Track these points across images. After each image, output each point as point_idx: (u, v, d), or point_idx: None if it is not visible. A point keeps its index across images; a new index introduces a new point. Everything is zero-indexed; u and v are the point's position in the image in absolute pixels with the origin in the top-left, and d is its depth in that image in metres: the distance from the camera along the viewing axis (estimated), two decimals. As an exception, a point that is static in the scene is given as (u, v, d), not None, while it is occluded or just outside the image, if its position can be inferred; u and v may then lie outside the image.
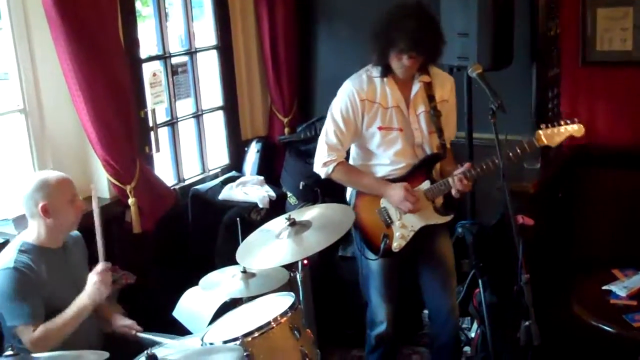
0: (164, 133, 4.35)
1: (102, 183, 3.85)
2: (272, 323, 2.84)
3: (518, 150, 3.13)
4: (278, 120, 4.96)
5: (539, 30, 4.27)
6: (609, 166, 4.44)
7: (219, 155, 4.86)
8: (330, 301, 4.28)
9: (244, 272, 3.25)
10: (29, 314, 2.86)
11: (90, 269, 3.56)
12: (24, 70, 3.53)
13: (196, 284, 3.39)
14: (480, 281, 3.22)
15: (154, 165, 4.18)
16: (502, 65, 3.78)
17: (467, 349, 3.81)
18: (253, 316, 2.97)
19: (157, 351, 2.59)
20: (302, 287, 3.30)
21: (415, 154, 3.37)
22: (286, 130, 4.96)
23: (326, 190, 4.39)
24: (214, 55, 4.75)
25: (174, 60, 4.40)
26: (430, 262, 3.51)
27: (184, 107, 4.58)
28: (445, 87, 3.38)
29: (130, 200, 3.76)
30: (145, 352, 2.57)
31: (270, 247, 3.08)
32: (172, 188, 4.26)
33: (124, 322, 3.22)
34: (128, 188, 3.74)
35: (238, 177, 4.52)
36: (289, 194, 4.61)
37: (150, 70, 4.05)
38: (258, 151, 4.81)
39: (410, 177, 3.35)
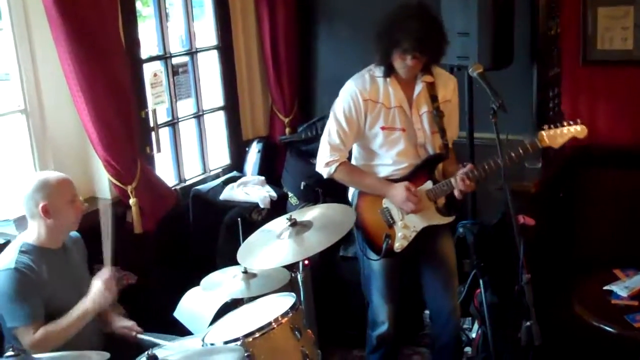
0: (164, 133, 4.35)
1: (103, 183, 3.86)
2: (273, 323, 2.84)
3: (520, 151, 3.13)
4: (279, 120, 4.96)
5: (539, 29, 4.26)
6: (610, 166, 4.44)
7: (219, 155, 4.86)
8: (331, 301, 4.28)
9: (245, 272, 3.25)
10: (29, 315, 2.86)
11: (91, 269, 3.57)
12: (24, 70, 3.53)
13: (197, 284, 3.39)
14: (481, 281, 3.22)
15: (155, 166, 4.18)
16: (502, 65, 3.78)
17: (468, 349, 3.81)
18: (254, 316, 2.97)
19: (158, 352, 2.59)
20: (303, 287, 3.30)
21: (417, 154, 3.37)
22: (287, 130, 4.95)
23: (327, 191, 4.39)
24: (214, 55, 4.74)
25: (175, 61, 4.40)
26: (432, 262, 3.51)
27: (185, 107, 4.58)
28: (448, 87, 3.38)
29: (131, 201, 3.76)
30: (146, 352, 2.57)
31: (271, 248, 3.08)
32: (173, 188, 4.26)
33: (124, 324, 3.21)
34: (129, 188, 3.74)
35: (239, 177, 4.52)
36: (290, 194, 4.61)
37: (151, 71, 4.05)
38: (259, 151, 4.81)
39: (413, 177, 3.35)
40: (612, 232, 4.44)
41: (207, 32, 4.74)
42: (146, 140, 4.08)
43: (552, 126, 3.11)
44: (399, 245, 3.35)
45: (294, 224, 3.11)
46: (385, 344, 3.57)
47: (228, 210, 4.20)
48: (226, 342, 2.78)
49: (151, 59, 4.23)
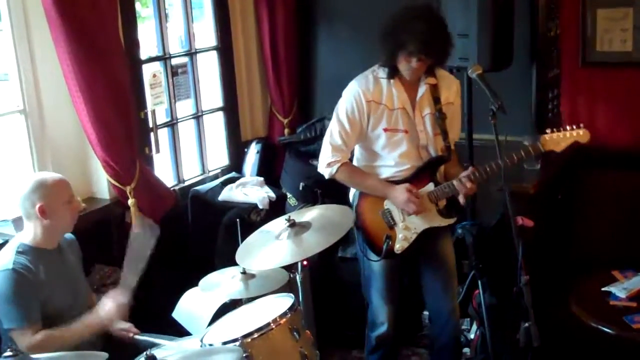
0: (164, 134, 4.35)
1: (101, 184, 3.86)
2: (272, 324, 2.84)
3: (522, 154, 3.13)
4: (278, 121, 4.96)
5: (539, 30, 4.27)
6: (609, 167, 4.43)
7: (218, 156, 4.86)
8: (330, 302, 4.27)
9: (244, 273, 3.25)
10: (26, 316, 2.86)
11: (90, 270, 3.57)
12: (24, 71, 3.53)
13: (196, 284, 3.39)
14: (479, 282, 3.22)
15: (154, 166, 4.18)
16: (502, 66, 3.78)
17: (466, 350, 3.81)
18: (252, 317, 2.97)
19: (157, 352, 2.59)
20: (301, 288, 3.30)
21: (420, 156, 3.36)
22: (286, 131, 4.96)
23: (326, 192, 4.39)
24: (214, 56, 4.75)
25: (174, 61, 4.40)
26: (432, 263, 3.51)
27: (184, 108, 4.58)
28: (451, 89, 3.38)
29: (130, 201, 3.76)
30: (145, 353, 2.57)
31: (270, 248, 3.08)
32: (172, 189, 4.26)
33: (121, 325, 3.21)
34: (128, 189, 3.74)
35: (238, 178, 4.52)
36: (288, 195, 4.61)
37: (150, 71, 4.05)
38: (258, 152, 4.81)
39: (415, 179, 3.34)
40: (611, 234, 4.44)
41: (206, 33, 4.74)
42: (145, 141, 4.08)
43: (554, 130, 3.11)
44: (399, 246, 3.35)
45: (292, 224, 3.12)
46: (385, 344, 3.57)
47: (227, 211, 4.20)
48: (225, 343, 2.78)
49: (150, 59, 4.23)
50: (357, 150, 3.48)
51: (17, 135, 3.63)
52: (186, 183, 4.49)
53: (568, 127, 3.11)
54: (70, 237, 3.19)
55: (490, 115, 2.87)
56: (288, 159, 4.83)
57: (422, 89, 3.31)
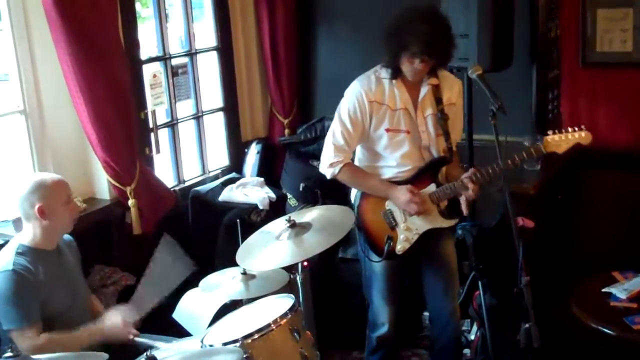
0: (164, 134, 4.35)
1: (102, 184, 3.85)
2: (272, 325, 2.84)
3: (524, 155, 3.13)
4: (278, 121, 4.96)
5: (539, 31, 4.27)
6: (609, 168, 4.44)
7: (219, 156, 4.86)
8: (330, 303, 4.27)
9: (244, 273, 3.25)
10: (26, 317, 2.86)
11: (90, 271, 3.56)
12: (24, 71, 3.53)
13: (196, 285, 3.38)
14: (480, 283, 3.22)
15: (154, 167, 4.18)
16: (502, 67, 3.78)
17: (466, 351, 3.81)
18: (253, 318, 2.97)
19: (157, 353, 2.59)
20: (302, 288, 3.30)
21: (422, 156, 3.36)
22: (286, 131, 4.96)
23: (326, 192, 4.39)
24: (214, 56, 4.74)
25: (174, 62, 4.40)
26: (434, 263, 3.51)
27: (184, 108, 4.58)
28: (453, 90, 3.38)
29: (131, 202, 3.76)
30: (145, 353, 2.57)
31: (270, 249, 3.08)
32: (172, 189, 4.26)
33: None
34: (128, 189, 3.74)
35: (238, 179, 4.52)
36: (289, 196, 4.61)
37: (151, 72, 4.05)
38: (258, 152, 4.81)
39: (417, 179, 3.34)
40: (611, 234, 4.44)
41: (206, 33, 4.74)
42: (145, 141, 4.08)
43: (556, 131, 3.10)
44: (400, 247, 3.35)
45: (293, 225, 3.11)
46: (385, 345, 3.57)
47: (227, 212, 4.20)
48: (225, 344, 2.78)
49: (151, 60, 4.23)
50: (359, 150, 3.47)
51: (17, 135, 3.63)
52: (186, 183, 4.49)
53: (570, 129, 3.10)
54: (69, 238, 3.19)
55: (490, 116, 2.86)
56: (288, 160, 4.82)
57: (424, 90, 3.31)
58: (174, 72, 4.37)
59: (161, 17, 4.27)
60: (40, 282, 2.92)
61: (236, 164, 4.86)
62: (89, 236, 3.57)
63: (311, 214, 3.25)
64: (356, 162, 3.48)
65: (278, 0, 4.75)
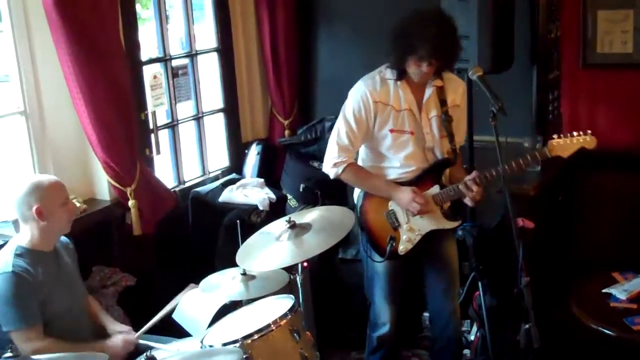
0: (164, 135, 4.35)
1: (102, 185, 3.85)
2: (272, 325, 2.85)
3: (529, 159, 3.13)
4: (278, 122, 4.96)
5: (539, 32, 4.27)
6: (609, 169, 4.44)
7: (219, 157, 4.86)
8: (330, 304, 4.28)
9: (244, 274, 3.24)
10: (26, 319, 2.86)
11: (89, 272, 3.56)
12: (24, 72, 3.53)
13: (196, 285, 3.38)
14: (480, 284, 3.22)
15: (155, 168, 4.18)
16: (502, 68, 3.78)
17: (466, 352, 3.81)
18: (253, 318, 2.97)
19: (156, 353, 2.59)
20: (302, 289, 3.30)
21: (425, 157, 3.36)
22: (286, 132, 4.96)
23: (326, 193, 4.39)
24: (214, 57, 4.75)
25: (175, 63, 4.40)
26: (436, 264, 3.51)
27: (185, 109, 4.58)
28: (457, 92, 3.38)
29: (131, 203, 3.76)
30: (145, 354, 2.57)
31: (270, 250, 3.08)
32: (172, 190, 4.26)
33: (120, 328, 3.20)
34: (128, 190, 3.74)
35: (238, 180, 4.52)
36: (289, 197, 4.61)
37: (151, 73, 4.06)
38: (258, 153, 4.81)
39: (420, 181, 3.35)
40: (611, 235, 4.44)
41: (207, 34, 4.75)
42: (146, 142, 4.08)
43: (561, 136, 3.11)
44: (403, 248, 3.35)
45: (293, 226, 3.11)
46: (386, 345, 3.57)
47: (227, 212, 4.20)
48: (225, 344, 2.79)
49: (151, 61, 4.23)
50: (363, 150, 3.47)
51: (17, 136, 3.63)
52: (186, 184, 4.49)
53: (575, 133, 3.10)
54: (66, 240, 3.19)
55: (490, 117, 2.86)
56: (288, 161, 4.83)
57: (429, 91, 3.31)
58: (174, 73, 4.37)
59: (161, 18, 4.28)
60: (39, 283, 2.91)
61: (236, 165, 4.86)
62: (89, 237, 3.57)
63: (311, 215, 3.25)
64: (359, 163, 3.48)
65: (278, 1, 4.76)
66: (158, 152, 4.17)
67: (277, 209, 4.34)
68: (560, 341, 3.72)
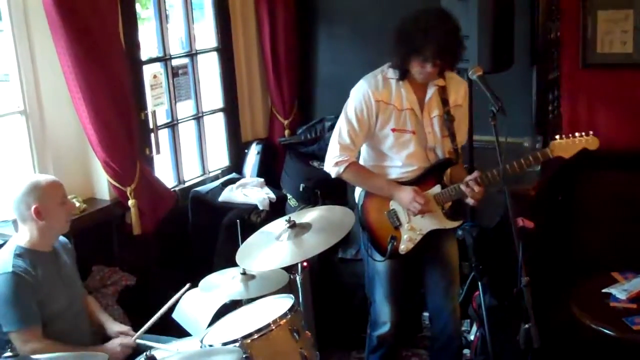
0: (164, 135, 4.35)
1: (102, 185, 3.85)
2: (272, 325, 2.85)
3: (531, 159, 3.12)
4: (278, 122, 4.96)
5: (539, 32, 4.27)
6: (609, 169, 4.44)
7: (219, 157, 4.86)
8: (330, 303, 4.27)
9: (244, 274, 3.24)
10: (25, 319, 2.86)
11: (88, 271, 3.56)
12: (24, 71, 3.53)
13: (196, 285, 3.38)
14: (479, 284, 3.22)
15: (154, 167, 4.18)
16: (502, 68, 3.78)
17: (466, 351, 3.81)
18: (252, 318, 2.97)
19: (156, 353, 2.59)
20: (301, 289, 3.30)
21: (427, 157, 3.36)
22: (286, 132, 4.96)
23: (326, 193, 4.39)
24: (214, 57, 4.75)
25: (175, 62, 4.40)
26: (436, 264, 3.51)
27: (185, 109, 4.58)
28: (459, 92, 3.37)
29: (131, 202, 3.76)
30: (144, 353, 2.57)
31: (270, 249, 3.08)
32: (172, 190, 4.26)
33: (119, 328, 3.20)
34: (128, 190, 3.74)
35: (238, 179, 4.52)
36: (289, 196, 4.61)
37: (151, 72, 4.06)
38: (258, 153, 4.81)
39: (422, 180, 3.34)
40: (611, 235, 4.44)
41: (207, 34, 4.75)
42: (145, 142, 4.08)
43: (563, 136, 3.10)
44: (404, 247, 3.35)
45: (292, 225, 3.11)
46: (386, 344, 3.57)
47: (227, 212, 4.20)
48: (224, 344, 2.78)
49: (151, 60, 4.24)
50: (364, 150, 3.47)
51: (17, 136, 3.63)
52: (186, 184, 4.49)
53: (577, 134, 3.09)
54: (64, 240, 3.19)
55: (490, 117, 2.86)
56: (288, 160, 4.83)
57: (431, 91, 3.30)
58: (174, 73, 4.37)
59: (161, 18, 4.28)
60: (39, 283, 2.91)
61: (236, 165, 4.86)
62: (89, 236, 3.57)
63: (311, 215, 3.25)
64: (361, 162, 3.48)
65: (278, 1, 4.76)
66: (158, 151, 4.17)
67: (277, 209, 4.34)
68: (560, 341, 3.72)
